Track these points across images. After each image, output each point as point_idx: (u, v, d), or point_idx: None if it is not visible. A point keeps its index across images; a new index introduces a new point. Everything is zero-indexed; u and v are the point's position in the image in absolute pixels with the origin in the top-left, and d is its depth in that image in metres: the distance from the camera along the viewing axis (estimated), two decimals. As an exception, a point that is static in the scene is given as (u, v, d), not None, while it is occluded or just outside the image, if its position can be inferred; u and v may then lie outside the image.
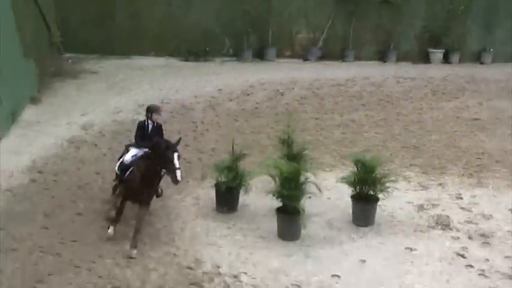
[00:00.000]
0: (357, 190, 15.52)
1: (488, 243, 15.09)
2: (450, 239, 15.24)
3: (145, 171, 13.86)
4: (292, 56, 29.30)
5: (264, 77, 25.95)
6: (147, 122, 15.03)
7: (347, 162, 16.22)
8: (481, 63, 30.60)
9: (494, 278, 13.79)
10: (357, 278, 13.37)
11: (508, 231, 15.67)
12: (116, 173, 14.88)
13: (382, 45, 29.94)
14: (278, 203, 14.78)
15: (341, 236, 14.96)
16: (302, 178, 14.69)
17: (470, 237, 15.34)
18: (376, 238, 14.98)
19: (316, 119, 22.08)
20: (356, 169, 15.48)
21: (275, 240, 14.57)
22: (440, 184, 17.90)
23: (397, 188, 16.06)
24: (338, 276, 13.39)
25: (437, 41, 30.29)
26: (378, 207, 15.64)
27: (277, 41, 28.84)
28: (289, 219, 14.66)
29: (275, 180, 14.76)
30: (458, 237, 15.30)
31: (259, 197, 15.30)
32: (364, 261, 14.04)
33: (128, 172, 14.19)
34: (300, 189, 14.64)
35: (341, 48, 29.48)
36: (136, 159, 14.25)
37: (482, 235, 15.40)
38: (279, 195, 14.68)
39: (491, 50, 30.83)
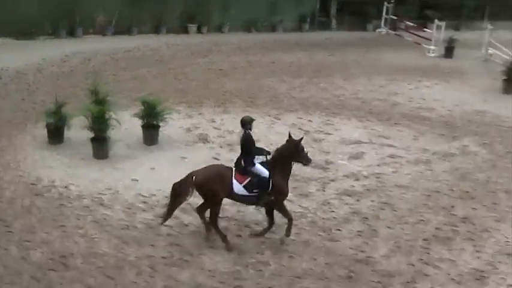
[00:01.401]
0: (145, 121, 15.69)
1: (232, 149, 15.68)
2: (209, 148, 15.73)
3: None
4: (94, 33, 28.68)
5: (75, 49, 25.38)
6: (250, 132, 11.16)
7: (137, 103, 16.28)
8: (222, 32, 31.07)
9: (238, 171, 14.45)
10: (150, 180, 13.61)
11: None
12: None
13: (156, 22, 29.78)
14: (91, 134, 14.78)
15: (136, 153, 15.10)
16: (107, 116, 14.74)
17: (221, 146, 15.88)
18: (160, 152, 15.23)
19: (114, 75, 21.92)
20: (143, 107, 15.67)
21: (91, 160, 14.54)
22: (200, 113, 18.28)
23: (172, 118, 16.35)
24: (136, 180, 13.60)
25: (192, 18, 30.45)
26: (159, 131, 15.88)
27: (83, 22, 28.14)
28: (100, 145, 14.73)
29: (88, 119, 14.74)
30: (214, 147, 15.83)
31: (78, 131, 15.15)
32: (153, 168, 14.29)
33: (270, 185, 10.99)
34: (106, 123, 14.71)
35: (128, 25, 29.12)
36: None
37: (229, 144, 16.00)
38: (91, 129, 14.71)
39: (227, 23, 31.31)
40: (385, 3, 32.31)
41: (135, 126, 15.87)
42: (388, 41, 31.08)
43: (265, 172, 11.01)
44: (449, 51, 28.56)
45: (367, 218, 12.46)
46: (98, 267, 10.33)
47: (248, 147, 11.02)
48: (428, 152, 16.55)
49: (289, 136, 11.31)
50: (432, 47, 28.69)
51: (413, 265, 11.13)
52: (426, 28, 30.55)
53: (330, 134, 17.34)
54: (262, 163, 11.13)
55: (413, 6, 34.31)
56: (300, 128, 17.54)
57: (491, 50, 27.51)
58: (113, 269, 10.31)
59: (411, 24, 31.65)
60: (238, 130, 11.67)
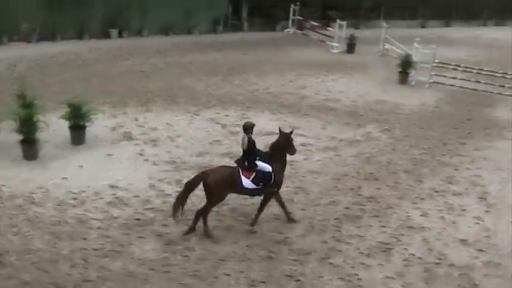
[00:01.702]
0: (72, 122, 15.31)
1: (156, 145, 15.55)
2: (133, 145, 15.51)
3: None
4: (19, 40, 27.64)
5: (0, 56, 24.43)
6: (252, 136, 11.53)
7: (63, 106, 15.83)
8: (141, 36, 30.57)
9: (162, 165, 14.32)
10: (78, 177, 13.36)
11: (168, 136, 16.21)
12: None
13: (79, 28, 29.00)
14: (20, 137, 14.30)
15: (65, 153, 14.73)
16: (35, 119, 14.29)
17: (145, 143, 15.70)
18: (87, 151, 14.92)
19: (40, 80, 21.22)
20: (69, 109, 15.28)
21: (22, 161, 14.09)
22: (124, 113, 17.98)
23: (97, 118, 16.02)
24: (66, 178, 13.29)
25: (113, 23, 29.86)
26: (86, 132, 15.52)
27: (8, 30, 27.10)
28: (29, 147, 14.27)
29: (16, 122, 14.25)
30: (138, 144, 15.61)
31: (7, 135, 14.62)
32: (82, 166, 14.00)
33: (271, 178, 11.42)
34: (34, 126, 14.26)
35: (52, 32, 28.23)
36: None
37: (152, 140, 15.84)
38: (20, 131, 14.23)
39: (147, 27, 30.82)
40: (292, 5, 32.61)
41: (62, 127, 15.45)
42: (295, 39, 31.40)
43: (268, 167, 11.36)
44: (351, 48, 29.12)
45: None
46: (33, 263, 10.04)
47: (252, 150, 11.38)
48: (336, 140, 16.85)
49: (280, 130, 11.87)
50: (335, 44, 29.18)
51: (326, 242, 11.32)
52: (329, 27, 31.02)
53: (246, 126, 17.37)
54: (261, 157, 11.47)
55: (317, 8, 34.79)
56: (217, 123, 17.54)
57: (387, 46, 28.19)
58: (47, 264, 10.05)
59: (316, 23, 32.04)
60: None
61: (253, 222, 11.65)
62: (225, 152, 15.32)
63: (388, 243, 11.47)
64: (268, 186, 11.43)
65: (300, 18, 32.85)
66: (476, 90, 22.72)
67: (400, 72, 23.69)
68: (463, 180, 14.79)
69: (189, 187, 11.07)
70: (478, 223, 12.65)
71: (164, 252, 10.62)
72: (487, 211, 13.24)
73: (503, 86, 22.50)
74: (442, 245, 11.60)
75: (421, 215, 12.78)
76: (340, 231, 11.81)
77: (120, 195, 12.55)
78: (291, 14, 32.90)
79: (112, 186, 12.91)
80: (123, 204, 12.21)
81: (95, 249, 10.54)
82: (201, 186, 11.10)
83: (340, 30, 29.36)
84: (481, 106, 21.43)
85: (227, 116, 18.26)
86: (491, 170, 15.59)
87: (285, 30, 33.30)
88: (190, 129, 16.83)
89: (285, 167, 11.87)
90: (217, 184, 10.93)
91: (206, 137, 16.38)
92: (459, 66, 23.63)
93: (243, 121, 17.44)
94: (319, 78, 23.57)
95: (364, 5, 36.18)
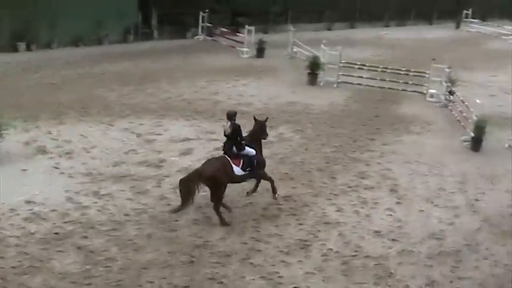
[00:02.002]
0: (-20, 139, 14.77)
1: (71, 157, 15.20)
2: (48, 159, 15.08)
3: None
4: None
5: None
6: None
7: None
8: (51, 48, 29.70)
9: (79, 177, 14.05)
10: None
11: (83, 148, 15.90)
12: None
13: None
14: None
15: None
16: None
17: (60, 156, 15.31)
18: (0, 167, 14.40)
19: None
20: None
21: None
22: (36, 127, 17.41)
23: (8, 134, 15.46)
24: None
25: (21, 37, 28.92)
26: (-2, 148, 15.02)
27: None
28: None
29: None
30: (53, 157, 15.22)
31: None
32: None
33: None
34: None
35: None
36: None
37: (67, 153, 15.44)
38: None
39: (56, 40, 29.96)
40: (201, 12, 32.65)
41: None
42: (206, 46, 31.44)
43: (252, 151, 12.40)
44: (260, 52, 29.44)
45: (201, 207, 12.59)
46: None
47: (238, 134, 12.20)
48: (251, 142, 16.99)
49: (255, 119, 13.17)
50: (245, 49, 29.43)
51: (246, 243, 11.43)
52: (239, 33, 31.25)
53: (160, 134, 17.31)
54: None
55: (226, 14, 34.94)
56: (132, 132, 17.36)
57: (296, 49, 28.70)
58: (-37, 285, 9.66)
59: (225, 30, 32.21)
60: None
61: (274, 192, 12.93)
62: (142, 160, 15.20)
63: (306, 240, 11.71)
64: (256, 169, 12.49)
65: (210, 25, 32.93)
66: (382, 88, 23.49)
67: (309, 73, 24.19)
68: (374, 174, 15.28)
69: (185, 183, 11.67)
70: (391, 215, 13.11)
71: (85, 265, 10.43)
72: (398, 202, 13.75)
73: (407, 83, 23.34)
74: (357, 238, 11.96)
75: (336, 211, 13.11)
76: (259, 231, 11.95)
77: (36, 210, 12.21)
78: (201, 21, 32.94)
79: (28, 202, 12.54)
80: (41, 219, 11.89)
81: (13, 267, 10.22)
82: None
83: (249, 35, 29.64)
84: (388, 103, 22.18)
85: (141, 124, 18.10)
86: (400, 163, 16.19)
87: (195, 37, 33.30)
88: (105, 139, 16.57)
89: (261, 149, 12.93)
90: (218, 174, 11.70)
91: (121, 147, 16.18)
92: (364, 65, 24.38)
93: (158, 129, 17.57)
94: (231, 83, 23.72)
95: (272, 10, 36.65)
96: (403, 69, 24.05)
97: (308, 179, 14.73)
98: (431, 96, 22.78)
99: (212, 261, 10.75)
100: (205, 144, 16.59)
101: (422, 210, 13.46)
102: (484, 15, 47.33)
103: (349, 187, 14.41)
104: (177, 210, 11.98)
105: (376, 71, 24.20)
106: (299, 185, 14.29)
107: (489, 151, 17.53)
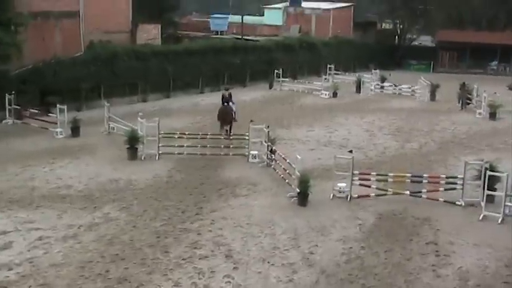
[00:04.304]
0: None
1: None
2: None
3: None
4: None
5: None
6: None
7: None
8: None
9: None
10: None
11: None
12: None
13: None
14: None
15: None
16: None
17: None
18: None
19: None
20: None
21: None
22: None
23: None
24: None
25: None
26: None
27: None
28: None
29: None
30: None
31: None
32: None
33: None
34: None
35: None
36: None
37: None
38: None
39: None
40: (6, 94, 31.44)
41: None
42: (16, 130, 30.16)
43: (234, 104, 27.32)
44: (75, 131, 28.79)
45: None
46: None
47: (231, 98, 27.46)
48: (74, 227, 16.52)
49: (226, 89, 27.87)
50: (59, 129, 28.64)
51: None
52: (50, 113, 30.43)
53: (-27, 231, 16.21)
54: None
55: (34, 94, 33.88)
56: None
57: (112, 124, 28.52)
58: None
59: (35, 111, 31.24)
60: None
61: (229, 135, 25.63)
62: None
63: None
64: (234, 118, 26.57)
65: (18, 107, 31.78)
66: (204, 154, 23.98)
67: (129, 148, 24.10)
68: (207, 242, 15.46)
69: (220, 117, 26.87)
70: (229, 281, 13.32)
71: None
72: (235, 268, 14.00)
73: (229, 147, 24.09)
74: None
75: (173, 286, 13.05)
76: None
77: None
78: (7, 103, 31.70)
79: None
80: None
81: None
82: None
83: (61, 114, 29.01)
84: (211, 169, 22.67)
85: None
86: (232, 228, 16.55)
87: (3, 121, 31.92)
88: None
89: None
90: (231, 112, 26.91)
91: None
92: (184, 134, 24.86)
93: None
94: (47, 166, 22.94)
95: (83, 86, 36.21)
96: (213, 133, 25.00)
97: (140, 257, 14.53)
98: (254, 157, 23.66)
99: None
100: (26, 235, 15.79)
101: (260, 272, 13.79)
102: (293, 73, 50.61)
103: (183, 259, 14.42)
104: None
105: (197, 138, 24.71)
106: (131, 265, 14.05)
107: (316, 204, 18.51)
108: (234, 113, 27.26)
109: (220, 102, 28.01)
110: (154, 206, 18.37)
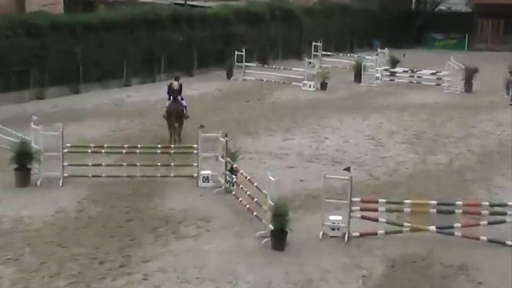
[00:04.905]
0: None
1: None
2: None
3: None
4: None
5: None
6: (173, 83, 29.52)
7: None
8: None
9: None
10: None
11: None
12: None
13: None
14: None
15: None
16: None
17: None
18: None
19: None
20: None
21: None
22: None
23: None
24: None
25: None
26: None
27: None
28: None
29: None
30: None
31: None
32: None
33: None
34: None
35: None
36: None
37: None
38: None
39: None
40: None
41: None
42: None
43: (184, 100, 29.52)
44: None
45: None
46: None
47: (181, 90, 29.42)
48: None
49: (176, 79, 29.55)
50: None
51: None
52: None
53: None
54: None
55: None
56: None
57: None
58: None
59: None
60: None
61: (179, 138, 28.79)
62: None
63: None
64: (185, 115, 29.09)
65: None
66: (133, 177, 23.75)
67: (17, 169, 23.67)
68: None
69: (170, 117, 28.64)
70: None
71: None
72: None
73: (170, 165, 23.92)
74: None
75: None
76: None
77: None
78: None
79: None
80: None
81: None
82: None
83: None
84: (144, 198, 22.40)
85: None
86: (175, 285, 16.37)
87: None
88: None
89: None
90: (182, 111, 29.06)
91: None
92: (102, 147, 24.50)
93: None
94: None
95: None
96: (159, 146, 24.69)
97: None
98: (206, 179, 23.51)
99: None
100: None
101: None
102: (263, 56, 50.54)
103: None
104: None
105: (121, 153, 24.46)
106: None
107: (298, 246, 18.38)
108: (185, 108, 29.00)
109: (167, 97, 29.20)
110: (57, 255, 18.09)
